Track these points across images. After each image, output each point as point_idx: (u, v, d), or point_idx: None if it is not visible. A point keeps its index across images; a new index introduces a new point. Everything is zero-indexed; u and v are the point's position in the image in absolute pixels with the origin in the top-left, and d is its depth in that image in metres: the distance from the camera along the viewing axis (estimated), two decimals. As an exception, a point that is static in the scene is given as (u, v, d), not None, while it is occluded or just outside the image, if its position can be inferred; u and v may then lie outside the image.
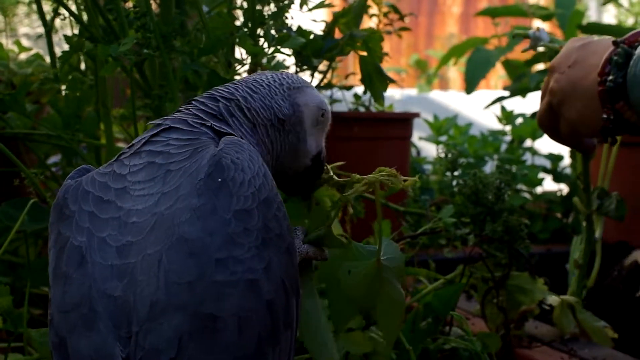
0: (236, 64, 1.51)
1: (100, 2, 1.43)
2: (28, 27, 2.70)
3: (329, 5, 1.63)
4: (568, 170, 2.72)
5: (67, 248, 0.79)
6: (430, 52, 6.56)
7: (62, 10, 1.54)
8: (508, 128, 2.87)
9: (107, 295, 0.75)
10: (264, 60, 1.52)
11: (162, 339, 0.72)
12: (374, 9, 1.82)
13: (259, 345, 0.75)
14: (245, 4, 1.50)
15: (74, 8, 1.60)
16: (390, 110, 2.44)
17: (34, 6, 2.16)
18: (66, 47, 1.48)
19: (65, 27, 1.81)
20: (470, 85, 2.81)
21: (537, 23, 3.42)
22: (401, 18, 1.84)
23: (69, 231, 0.80)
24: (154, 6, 1.48)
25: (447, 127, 2.82)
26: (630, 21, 3.77)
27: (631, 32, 1.10)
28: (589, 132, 1.17)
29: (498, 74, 5.58)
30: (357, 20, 1.67)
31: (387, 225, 1.42)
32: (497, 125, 2.94)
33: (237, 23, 1.53)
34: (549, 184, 2.80)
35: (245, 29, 1.47)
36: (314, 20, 1.67)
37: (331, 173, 1.03)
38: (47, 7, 1.63)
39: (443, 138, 2.84)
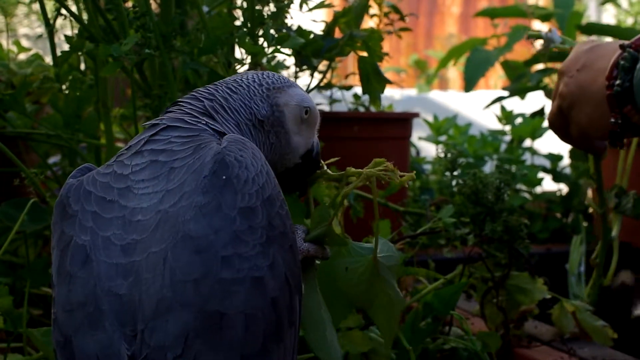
0: (236, 64, 1.51)
1: (100, 2, 1.43)
2: (27, 27, 2.70)
3: (329, 6, 1.63)
4: (568, 170, 2.72)
5: (71, 247, 0.79)
6: (429, 52, 6.56)
7: (63, 10, 1.54)
8: (508, 128, 2.87)
9: (113, 293, 0.75)
10: (264, 60, 1.52)
11: (168, 337, 0.73)
12: (374, 9, 1.82)
13: (264, 343, 0.76)
14: (244, 4, 1.50)
15: (74, 8, 1.61)
16: (389, 110, 2.44)
17: (34, 7, 2.17)
18: (66, 47, 1.48)
19: (65, 27, 1.81)
20: (469, 84, 2.81)
21: (536, 23, 3.42)
22: (402, 18, 1.84)
23: (72, 230, 0.80)
24: (153, 6, 1.48)
25: (446, 127, 2.82)
26: (629, 21, 3.77)
27: (638, 36, 1.10)
28: (599, 135, 1.18)
29: (498, 74, 5.58)
30: (357, 20, 1.67)
31: (386, 225, 1.42)
32: (497, 125, 2.94)
33: (237, 23, 1.53)
34: (548, 184, 2.81)
35: (245, 29, 1.47)
36: (314, 21, 1.67)
37: (325, 168, 1.03)
38: (48, 7, 1.63)
39: (443, 138, 2.84)
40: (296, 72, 1.67)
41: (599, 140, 1.27)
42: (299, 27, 1.53)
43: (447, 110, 4.42)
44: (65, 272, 0.79)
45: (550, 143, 2.87)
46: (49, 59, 1.83)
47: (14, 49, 2.12)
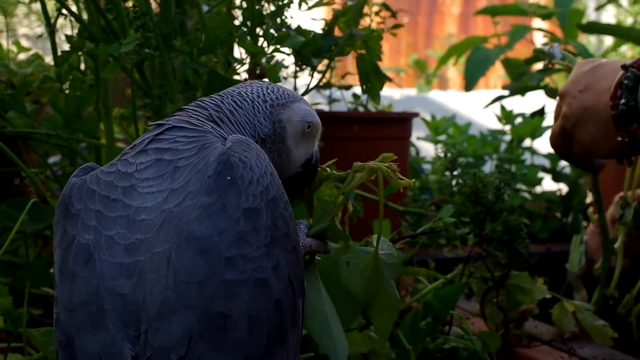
0: (236, 64, 1.51)
1: (101, 2, 1.43)
2: (27, 27, 2.70)
3: (328, 4, 1.63)
4: (567, 170, 2.72)
5: (74, 246, 0.79)
6: (429, 52, 6.56)
7: (63, 10, 1.54)
8: (507, 128, 2.87)
9: (116, 293, 0.75)
10: (263, 60, 1.52)
11: (172, 338, 0.73)
12: (365, 9, 1.82)
13: (268, 344, 0.76)
14: (244, 4, 1.50)
15: (74, 8, 1.61)
16: (389, 110, 2.44)
17: (34, 6, 2.17)
18: (66, 47, 1.48)
19: (65, 27, 1.81)
20: (469, 83, 2.80)
21: (537, 22, 3.42)
22: (393, 15, 1.83)
23: (75, 229, 0.80)
24: (153, 5, 1.48)
25: (445, 126, 2.81)
26: (629, 21, 3.77)
27: (639, 57, 1.13)
28: (602, 153, 1.21)
29: (497, 74, 5.58)
30: (356, 19, 1.67)
31: (386, 224, 1.42)
32: (497, 125, 2.94)
33: (236, 22, 1.53)
34: (548, 184, 2.81)
35: (245, 29, 1.47)
36: (313, 19, 1.67)
37: (329, 170, 1.04)
38: (49, 7, 1.63)
39: (442, 137, 2.84)
40: (296, 72, 1.67)
41: (602, 158, 1.30)
42: (299, 27, 1.53)
43: (447, 109, 4.42)
44: (67, 271, 0.79)
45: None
46: (49, 59, 1.84)
47: (14, 48, 2.12)
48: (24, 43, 2.37)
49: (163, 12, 1.48)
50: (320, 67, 1.71)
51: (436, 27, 7.08)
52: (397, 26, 1.81)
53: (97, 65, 1.56)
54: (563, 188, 2.70)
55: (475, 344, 1.32)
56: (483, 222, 1.42)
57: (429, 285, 1.46)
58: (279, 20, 1.50)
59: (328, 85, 1.89)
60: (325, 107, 2.17)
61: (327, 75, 1.81)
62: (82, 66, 1.76)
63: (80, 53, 1.60)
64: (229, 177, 0.78)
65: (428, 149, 3.25)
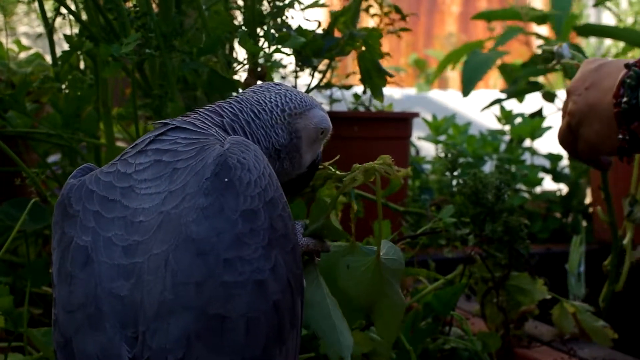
0: (236, 64, 1.51)
1: (100, 2, 1.43)
2: (27, 26, 2.69)
3: (324, 5, 1.62)
4: (567, 170, 2.72)
5: (72, 248, 0.79)
6: (429, 51, 6.56)
7: (62, 9, 1.54)
8: (507, 127, 2.87)
9: (114, 294, 0.75)
10: (263, 60, 1.52)
11: (170, 339, 0.73)
12: (375, 9, 1.82)
13: (266, 346, 0.76)
14: (244, 3, 1.50)
15: (73, 7, 1.60)
16: (389, 110, 2.44)
17: (33, 5, 2.16)
18: (66, 46, 1.48)
19: (65, 26, 1.80)
20: (466, 88, 2.81)
21: (532, 26, 3.41)
22: (403, 18, 1.84)
23: (73, 230, 0.80)
24: (153, 5, 1.48)
25: (445, 126, 2.81)
26: (629, 20, 3.77)
27: None
28: (607, 150, 1.22)
29: (497, 74, 5.56)
30: (354, 19, 1.67)
31: (387, 225, 1.42)
32: (497, 125, 2.94)
33: (236, 22, 1.53)
34: (548, 184, 2.81)
35: (245, 28, 1.47)
36: (307, 20, 1.67)
37: (332, 170, 1.05)
38: (47, 7, 1.63)
39: (442, 137, 2.84)
40: (296, 72, 1.67)
41: (606, 155, 1.30)
42: (299, 27, 1.53)
43: (447, 109, 4.42)
44: (66, 272, 0.79)
45: (550, 143, 2.87)
46: (49, 58, 1.83)
47: (14, 47, 2.12)
48: (24, 41, 2.37)
49: (163, 12, 1.48)
50: (321, 67, 1.71)
51: (436, 27, 7.07)
52: (404, 29, 1.81)
53: (97, 65, 1.56)
54: (563, 188, 2.70)
55: (476, 345, 1.32)
56: (483, 222, 1.42)
57: (429, 286, 1.46)
58: (279, 20, 1.50)
59: (329, 85, 1.89)
60: (326, 107, 2.17)
61: (328, 75, 1.81)
62: (82, 65, 1.76)
63: (79, 53, 1.60)
64: (226, 179, 0.78)
65: (428, 149, 3.24)
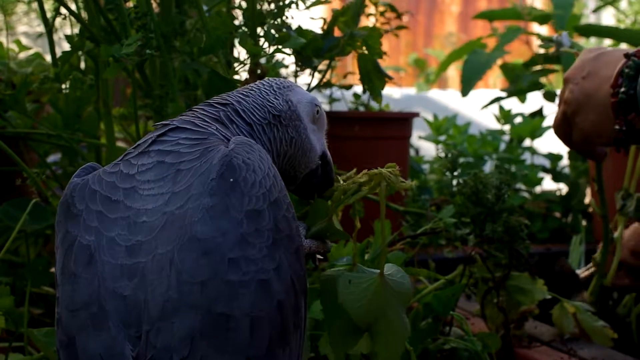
0: (236, 64, 1.51)
1: (101, 2, 1.43)
2: (27, 25, 2.69)
3: (327, 2, 1.63)
4: (567, 170, 2.72)
5: (75, 247, 0.80)
6: (429, 51, 6.56)
7: (63, 10, 1.54)
8: (507, 127, 2.87)
9: (117, 294, 0.76)
10: (263, 60, 1.52)
11: (174, 338, 0.73)
12: (371, 9, 1.82)
13: (270, 345, 0.76)
14: (244, 4, 1.50)
15: (73, 7, 1.60)
16: (388, 110, 2.44)
17: (33, 5, 2.16)
18: (66, 46, 1.48)
19: (65, 26, 1.81)
20: (466, 87, 2.81)
21: (533, 26, 3.41)
22: (398, 16, 1.84)
23: (76, 230, 0.80)
24: (153, 5, 1.48)
25: (447, 126, 2.82)
26: (629, 20, 3.77)
27: None
28: (602, 141, 1.20)
29: (497, 73, 5.56)
30: (355, 18, 1.67)
31: (387, 225, 1.42)
32: (496, 125, 2.94)
33: (237, 23, 1.53)
34: (548, 184, 2.81)
35: (245, 29, 1.47)
36: (312, 19, 1.67)
37: (341, 182, 1.03)
38: (47, 6, 1.63)
39: (442, 137, 2.84)
40: (296, 72, 1.67)
41: (601, 146, 1.29)
42: (299, 27, 1.53)
43: (446, 109, 4.42)
44: (69, 272, 0.79)
45: (549, 143, 2.88)
46: (49, 58, 1.83)
47: (14, 47, 2.12)
48: (24, 41, 2.37)
49: (163, 13, 1.48)
50: (321, 66, 1.71)
51: (436, 26, 7.07)
52: (401, 27, 1.81)
53: (98, 65, 1.56)
54: (563, 188, 2.70)
55: (476, 345, 1.32)
56: (483, 222, 1.42)
57: (430, 286, 1.46)
58: (279, 20, 1.50)
59: (329, 85, 1.89)
60: (326, 107, 2.17)
61: (328, 74, 1.81)
62: (82, 65, 1.76)
63: (80, 53, 1.60)
64: (231, 179, 0.78)
65: (428, 149, 3.25)
